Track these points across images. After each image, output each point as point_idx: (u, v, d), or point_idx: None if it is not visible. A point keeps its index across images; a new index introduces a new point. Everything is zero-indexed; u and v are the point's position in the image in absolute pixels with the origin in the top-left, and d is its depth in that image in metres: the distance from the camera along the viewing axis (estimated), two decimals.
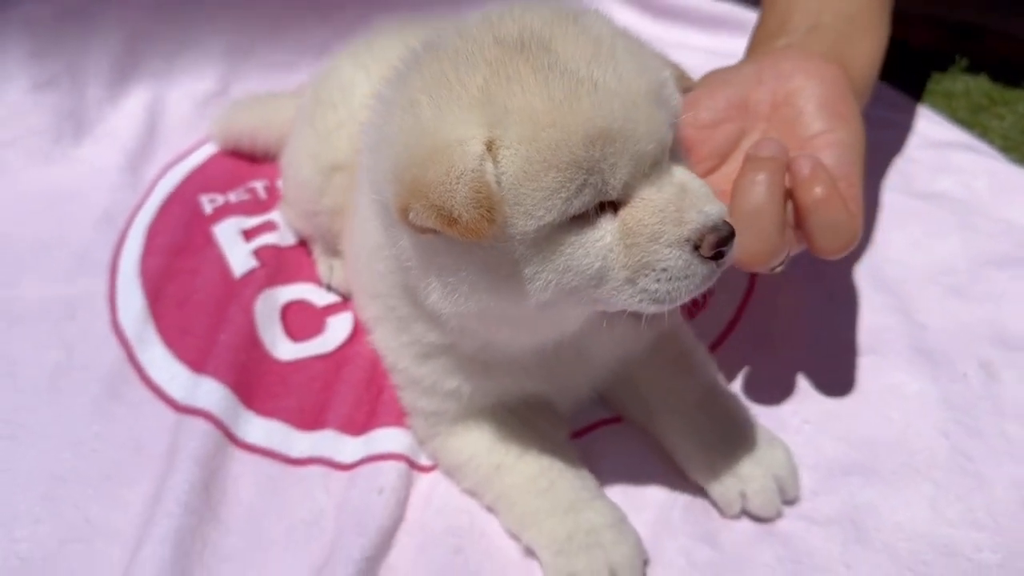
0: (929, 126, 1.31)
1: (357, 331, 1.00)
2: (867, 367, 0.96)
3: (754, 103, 0.85)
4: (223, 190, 1.22)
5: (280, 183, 1.15)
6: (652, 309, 0.66)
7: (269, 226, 1.15)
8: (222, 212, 1.18)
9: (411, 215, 0.61)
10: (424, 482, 0.86)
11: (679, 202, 0.63)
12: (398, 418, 0.90)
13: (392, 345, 0.82)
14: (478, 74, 0.62)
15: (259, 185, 1.22)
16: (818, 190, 0.73)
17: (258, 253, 1.10)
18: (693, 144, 0.83)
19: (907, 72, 1.43)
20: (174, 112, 1.34)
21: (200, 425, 0.88)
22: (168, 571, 0.76)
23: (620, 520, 0.79)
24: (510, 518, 0.81)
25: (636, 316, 0.69)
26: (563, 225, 0.62)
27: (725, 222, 0.64)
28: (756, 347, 0.99)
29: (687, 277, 0.64)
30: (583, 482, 0.81)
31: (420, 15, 1.02)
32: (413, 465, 0.87)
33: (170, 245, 1.12)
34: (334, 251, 1.04)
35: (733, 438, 0.83)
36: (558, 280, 0.63)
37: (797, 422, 0.91)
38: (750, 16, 1.26)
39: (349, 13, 1.37)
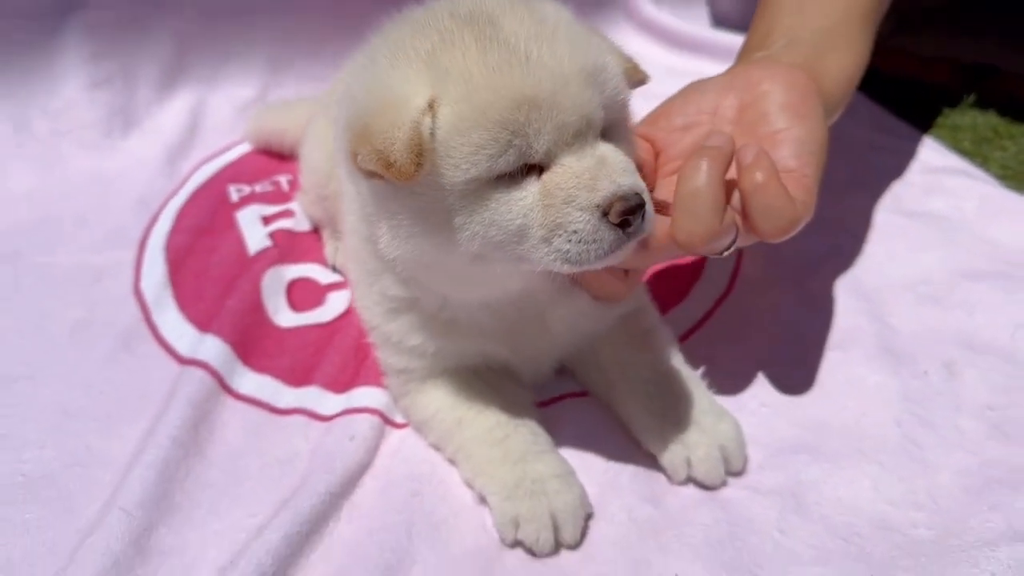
0: (930, 154, 1.36)
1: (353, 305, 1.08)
2: (831, 361, 1.00)
3: (724, 108, 0.91)
4: (250, 181, 1.32)
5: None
6: (566, 269, 0.71)
7: (287, 213, 1.25)
8: (247, 200, 1.28)
9: (359, 159, 0.69)
10: (395, 436, 0.93)
11: (595, 171, 0.69)
12: (378, 379, 0.96)
13: (366, 303, 0.90)
14: (428, 40, 0.70)
15: (283, 179, 1.33)
16: (758, 175, 0.77)
17: (273, 235, 1.20)
18: (665, 145, 0.89)
19: (920, 107, 1.47)
20: (215, 115, 1.47)
21: (198, 374, 0.96)
22: (151, 492, 0.84)
23: (567, 473, 0.84)
24: (467, 467, 0.86)
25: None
26: (492, 182, 0.69)
27: (636, 194, 0.69)
28: (726, 339, 1.04)
29: (595, 241, 0.69)
30: (536, 437, 0.86)
31: None
32: (387, 421, 0.94)
33: (195, 226, 1.23)
34: (341, 234, 1.13)
35: (684, 410, 0.88)
36: (484, 232, 0.70)
37: (755, 405, 0.95)
38: None
39: None
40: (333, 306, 1.10)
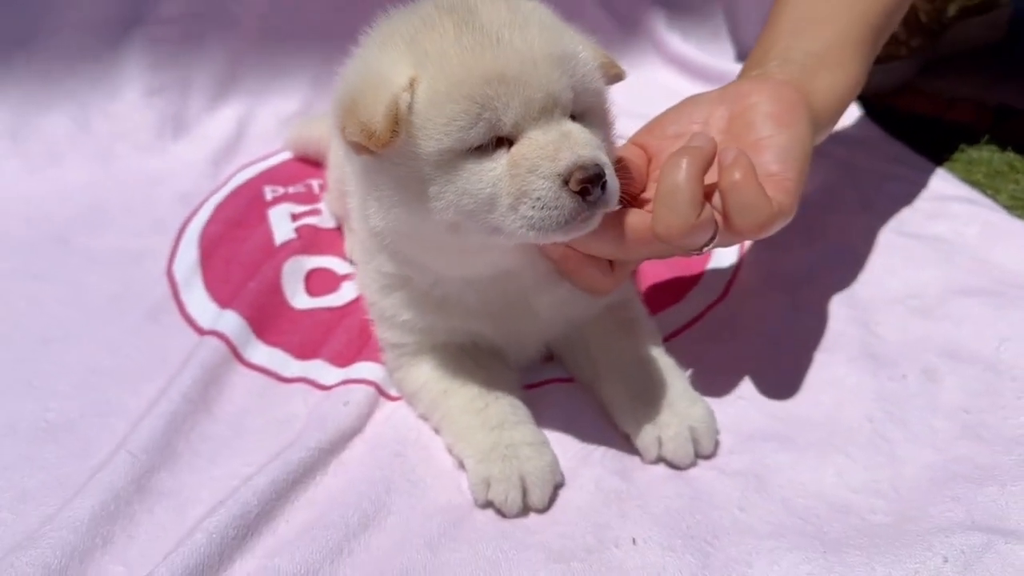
0: (940, 183, 1.38)
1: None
2: (813, 362, 1.03)
3: (715, 118, 0.96)
4: (284, 184, 1.42)
5: None
6: (531, 236, 0.77)
7: (314, 212, 1.34)
8: (280, 199, 1.38)
9: (346, 131, 0.77)
10: (388, 407, 0.99)
11: (559, 144, 0.76)
12: (378, 356, 1.03)
13: (365, 280, 0.97)
14: (412, 26, 0.79)
15: (315, 183, 1.42)
16: (736, 174, 0.81)
17: (299, 230, 1.29)
18: (657, 151, 0.95)
19: (939, 144, 1.50)
20: (260, 125, 1.58)
21: (214, 343, 1.05)
22: (158, 440, 0.91)
23: (541, 442, 0.89)
24: (448, 433, 0.92)
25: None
26: (464, 154, 0.76)
27: (596, 164, 0.75)
28: (713, 339, 1.08)
29: (556, 208, 0.75)
30: (514, 409, 0.91)
31: None
32: (382, 393, 1.00)
33: (230, 218, 1.33)
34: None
35: (660, 393, 0.92)
36: (457, 201, 0.77)
37: (732, 397, 0.99)
38: None
39: None
40: (346, 293, 1.17)
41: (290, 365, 1.05)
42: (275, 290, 1.16)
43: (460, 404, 0.92)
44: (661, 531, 0.83)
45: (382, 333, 0.98)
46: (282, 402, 1.00)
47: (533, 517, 0.85)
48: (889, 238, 1.25)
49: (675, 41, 1.72)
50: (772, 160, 0.88)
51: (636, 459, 0.91)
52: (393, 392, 1.01)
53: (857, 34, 1.08)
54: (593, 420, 0.96)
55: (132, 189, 1.41)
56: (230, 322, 1.08)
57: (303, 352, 1.07)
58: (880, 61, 1.63)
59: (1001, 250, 1.19)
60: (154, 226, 1.32)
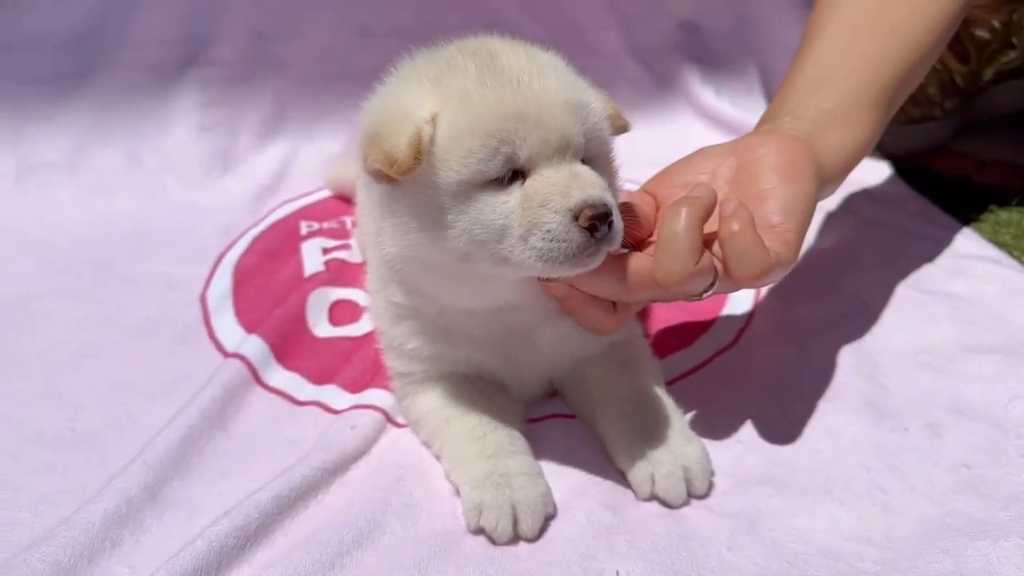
0: (965, 242, 1.38)
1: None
2: (815, 410, 1.03)
3: (723, 169, 0.99)
4: (320, 219, 1.48)
5: None
6: (539, 267, 0.81)
7: (345, 247, 1.40)
8: (314, 234, 1.44)
9: (369, 160, 0.81)
10: (394, 433, 1.02)
11: (570, 182, 0.80)
12: (389, 383, 1.06)
13: (377, 310, 1.01)
14: (436, 67, 0.84)
15: (348, 219, 1.48)
16: (735, 224, 0.84)
17: (328, 263, 1.34)
18: (664, 199, 0.97)
19: (969, 204, 1.50)
20: (304, 164, 1.65)
21: (236, 365, 1.10)
22: (173, 452, 0.96)
23: (535, 473, 0.91)
24: (447, 460, 0.95)
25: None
26: (481, 186, 0.81)
27: (604, 203, 0.79)
28: (718, 384, 1.09)
29: (565, 241, 0.79)
30: (512, 439, 0.94)
31: None
32: (389, 419, 1.04)
33: (265, 250, 1.39)
34: None
35: (656, 431, 0.94)
36: (470, 230, 0.81)
37: (731, 440, 1.00)
38: None
39: None
40: (366, 324, 1.21)
41: (305, 389, 1.10)
42: (299, 318, 1.21)
43: (460, 432, 0.95)
44: (647, 566, 0.84)
45: (391, 362, 1.02)
46: (294, 424, 1.04)
47: (523, 546, 0.87)
48: (907, 294, 1.25)
49: (709, 96, 1.75)
50: (774, 211, 0.91)
51: (629, 495, 0.93)
52: (400, 419, 1.04)
53: (871, 94, 1.10)
54: (590, 455, 0.98)
55: (176, 220, 1.48)
56: (254, 346, 1.13)
57: (319, 378, 1.12)
58: (915, 122, 1.66)
59: (1020, 309, 1.19)
60: (193, 255, 1.38)
